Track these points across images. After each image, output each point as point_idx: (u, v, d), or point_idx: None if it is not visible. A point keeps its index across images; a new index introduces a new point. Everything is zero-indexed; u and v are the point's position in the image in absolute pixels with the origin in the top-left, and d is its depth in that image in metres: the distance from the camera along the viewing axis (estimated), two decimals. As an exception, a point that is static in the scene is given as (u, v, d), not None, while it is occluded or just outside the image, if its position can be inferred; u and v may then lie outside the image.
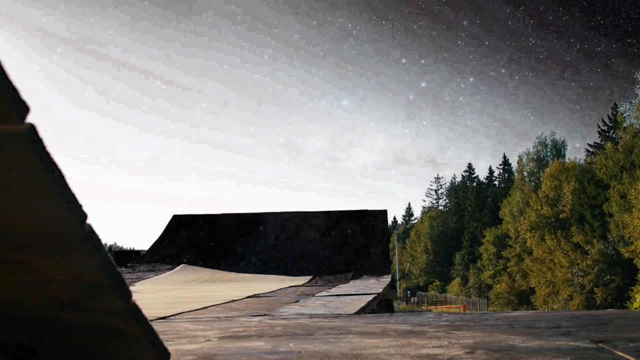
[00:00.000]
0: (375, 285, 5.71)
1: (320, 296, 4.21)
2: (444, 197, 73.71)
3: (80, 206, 0.94)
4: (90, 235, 0.97)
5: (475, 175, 68.72)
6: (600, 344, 1.58)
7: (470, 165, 69.91)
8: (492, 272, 51.81)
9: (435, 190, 74.69)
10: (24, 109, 0.82)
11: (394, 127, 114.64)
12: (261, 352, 1.67)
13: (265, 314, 2.97)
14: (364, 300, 3.62)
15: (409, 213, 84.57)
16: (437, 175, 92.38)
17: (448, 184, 73.49)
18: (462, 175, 70.22)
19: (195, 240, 9.05)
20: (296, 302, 3.78)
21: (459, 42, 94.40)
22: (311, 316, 2.80)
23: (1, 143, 0.84)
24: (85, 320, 1.12)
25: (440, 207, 72.88)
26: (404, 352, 1.60)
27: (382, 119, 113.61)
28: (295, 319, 2.71)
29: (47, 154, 0.87)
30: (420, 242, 67.00)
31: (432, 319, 2.56)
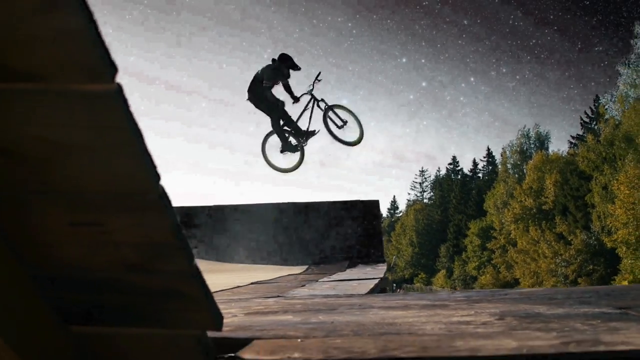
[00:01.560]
0: (372, 272, 5.78)
1: (324, 281, 4.26)
2: (429, 190, 74.07)
3: (156, 166, 0.98)
4: (164, 195, 1.00)
5: (459, 168, 69.14)
6: (623, 310, 1.65)
7: (454, 158, 70.33)
8: (477, 263, 52.29)
9: (420, 184, 75.04)
10: (114, 69, 0.85)
11: (394, 127, 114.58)
12: (294, 323, 1.71)
13: (279, 296, 3.01)
14: (371, 283, 3.68)
15: (394, 206, 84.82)
16: (422, 168, 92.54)
17: (433, 177, 73.86)
18: (447, 168, 70.62)
19: (190, 232, 9.05)
20: (303, 286, 3.82)
21: (459, 42, 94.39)
22: (325, 296, 2.85)
23: (92, 102, 0.87)
24: (149, 282, 1.14)
25: (425, 200, 73.23)
26: (435, 320, 1.65)
27: (382, 119, 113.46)
28: (311, 298, 2.75)
29: (132, 114, 0.90)
30: (406, 235, 67.36)
31: (448, 295, 2.62)
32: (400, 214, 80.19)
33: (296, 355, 1.21)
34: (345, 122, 8.77)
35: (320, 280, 4.37)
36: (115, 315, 1.23)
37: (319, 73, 8.89)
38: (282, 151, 8.90)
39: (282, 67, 8.70)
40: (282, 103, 8.74)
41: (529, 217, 43.82)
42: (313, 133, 9.00)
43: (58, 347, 1.22)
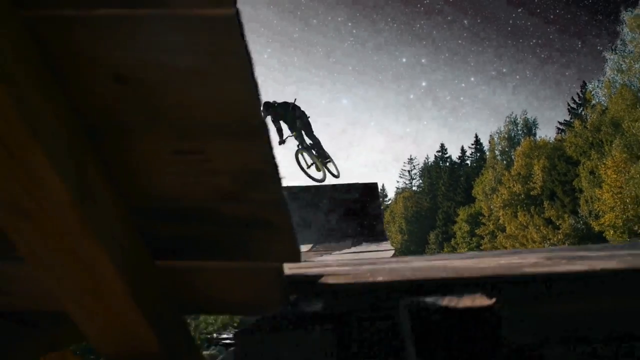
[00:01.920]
0: (379, 248, 5.85)
1: (338, 253, 4.32)
2: (417, 178, 74.33)
3: (260, 92, 1.02)
4: (265, 121, 1.04)
5: (447, 155, 69.43)
6: (663, 250, 1.73)
7: (442, 146, 70.61)
8: (466, 249, 52.63)
9: (409, 171, 75.26)
10: (234, -7, 0.89)
11: (394, 127, 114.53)
12: (347, 271, 1.76)
13: (306, 261, 3.05)
14: (390, 251, 3.75)
15: (382, 194, 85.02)
16: (410, 156, 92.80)
17: (421, 165, 74.09)
18: (435, 155, 70.90)
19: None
20: (322, 255, 3.88)
21: (459, 42, 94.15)
22: (352, 260, 2.90)
23: (213, 26, 0.91)
24: (238, 212, 1.18)
25: (413, 188, 73.49)
26: (484, 263, 1.71)
27: (382, 119, 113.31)
28: (341, 260, 2.80)
29: (246, 40, 0.95)
30: (395, 222, 67.62)
31: (478, 253, 2.69)
32: (389, 201, 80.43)
33: (380, 278, 1.27)
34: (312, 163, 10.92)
35: (334, 253, 4.44)
36: (201, 247, 1.27)
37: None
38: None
39: (270, 116, 10.72)
40: (299, 135, 10.69)
41: (517, 203, 44.21)
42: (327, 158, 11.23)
43: (150, 281, 1.26)
